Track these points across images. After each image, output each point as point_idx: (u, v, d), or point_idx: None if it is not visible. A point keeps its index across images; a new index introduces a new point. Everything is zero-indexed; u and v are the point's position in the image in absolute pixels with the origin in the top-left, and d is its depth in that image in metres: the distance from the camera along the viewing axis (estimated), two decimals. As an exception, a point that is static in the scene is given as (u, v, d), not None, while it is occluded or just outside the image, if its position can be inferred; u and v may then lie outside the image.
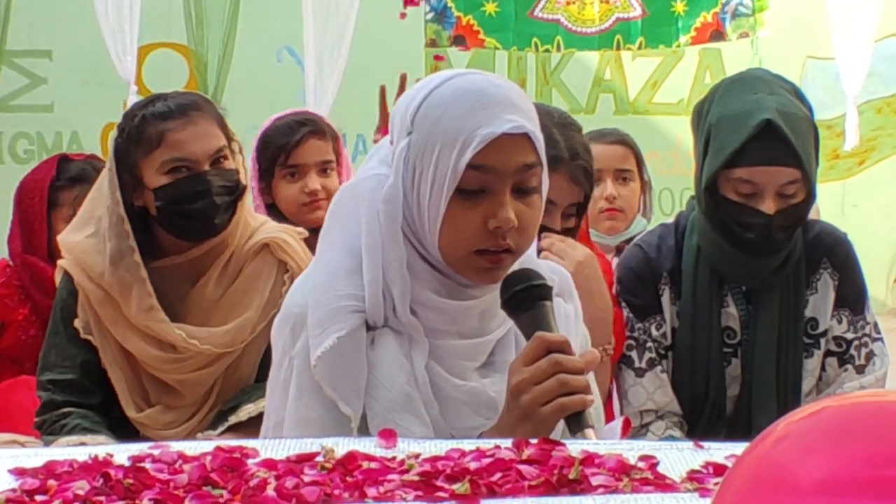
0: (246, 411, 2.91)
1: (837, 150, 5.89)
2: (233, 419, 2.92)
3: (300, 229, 3.12)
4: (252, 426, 2.80)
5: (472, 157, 1.89)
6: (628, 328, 2.95)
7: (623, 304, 2.96)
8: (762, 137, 2.78)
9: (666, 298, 2.95)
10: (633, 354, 2.95)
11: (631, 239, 3.81)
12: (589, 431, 1.84)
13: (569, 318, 2.04)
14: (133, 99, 5.56)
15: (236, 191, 2.95)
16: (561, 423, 1.88)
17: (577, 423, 1.86)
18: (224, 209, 2.94)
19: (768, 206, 2.80)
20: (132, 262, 2.92)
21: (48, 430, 2.94)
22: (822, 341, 2.95)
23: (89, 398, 2.97)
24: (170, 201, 2.91)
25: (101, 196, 2.96)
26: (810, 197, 2.84)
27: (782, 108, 2.78)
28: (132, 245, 2.92)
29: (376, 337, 1.95)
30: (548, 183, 1.99)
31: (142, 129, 2.89)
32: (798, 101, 2.85)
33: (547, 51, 6.27)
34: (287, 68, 6.32)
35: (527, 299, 1.92)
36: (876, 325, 3.00)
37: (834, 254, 2.97)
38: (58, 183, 3.59)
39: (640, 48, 6.25)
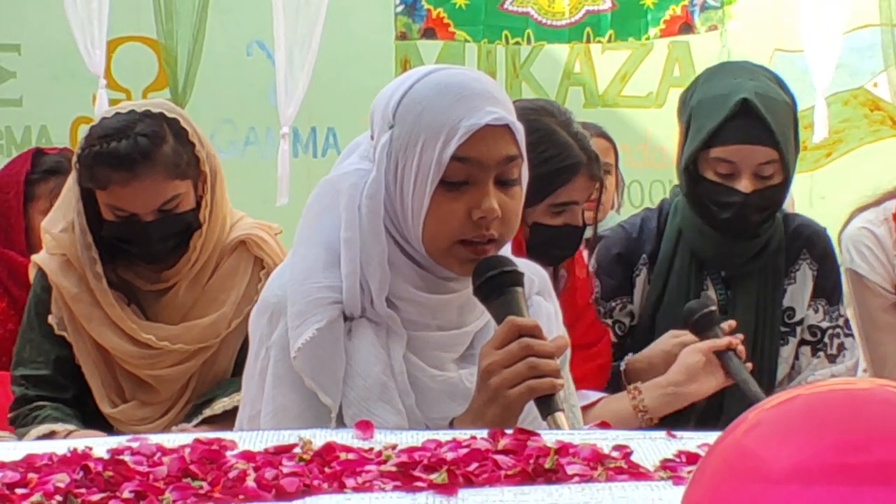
0: (220, 404, 2.92)
1: (806, 143, 5.91)
2: (207, 412, 2.92)
3: (276, 226, 3.12)
4: (226, 419, 2.81)
5: (456, 149, 1.91)
6: (594, 303, 2.97)
7: (596, 282, 2.98)
8: (739, 117, 2.81)
9: (640, 280, 2.97)
10: None
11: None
12: (559, 415, 1.86)
13: (549, 317, 2.07)
14: (102, 93, 5.53)
15: (188, 231, 2.93)
16: (532, 407, 1.90)
17: (546, 406, 1.88)
18: (168, 251, 2.92)
19: (745, 186, 2.82)
20: (94, 272, 2.93)
21: (21, 423, 2.94)
22: (798, 330, 2.99)
23: (63, 393, 2.96)
24: (113, 237, 2.91)
25: (73, 198, 2.96)
26: (787, 181, 2.87)
27: (761, 91, 2.82)
28: (94, 256, 2.92)
29: (353, 328, 1.96)
30: (528, 175, 2.02)
31: (93, 166, 2.85)
32: (779, 89, 2.89)
33: (517, 44, 6.28)
34: (257, 62, 6.30)
35: (499, 285, 1.94)
36: (847, 321, 3.05)
37: (814, 246, 3.00)
38: (33, 176, 3.58)
39: (609, 41, 6.26)
